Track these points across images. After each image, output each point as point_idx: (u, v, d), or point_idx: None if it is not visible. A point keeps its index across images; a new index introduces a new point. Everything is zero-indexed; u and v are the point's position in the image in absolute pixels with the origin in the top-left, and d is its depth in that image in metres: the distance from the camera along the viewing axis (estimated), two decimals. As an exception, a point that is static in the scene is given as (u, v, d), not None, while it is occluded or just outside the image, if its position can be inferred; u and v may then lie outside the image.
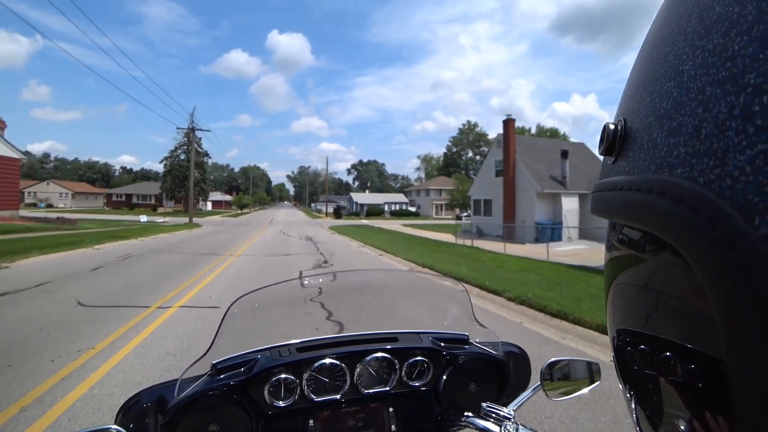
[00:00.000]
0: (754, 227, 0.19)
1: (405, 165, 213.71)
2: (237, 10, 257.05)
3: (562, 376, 0.87)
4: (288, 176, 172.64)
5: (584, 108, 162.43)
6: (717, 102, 0.22)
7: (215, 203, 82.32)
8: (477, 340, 1.02)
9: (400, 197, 70.88)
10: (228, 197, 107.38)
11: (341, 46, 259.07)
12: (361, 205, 63.52)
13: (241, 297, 0.92)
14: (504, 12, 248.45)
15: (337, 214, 50.79)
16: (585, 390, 0.88)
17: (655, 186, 0.25)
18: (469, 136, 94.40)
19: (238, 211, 62.29)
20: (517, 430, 0.73)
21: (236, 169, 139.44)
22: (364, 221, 44.55)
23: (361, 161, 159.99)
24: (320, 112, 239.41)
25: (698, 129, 0.23)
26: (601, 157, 0.35)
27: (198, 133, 51.65)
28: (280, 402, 0.83)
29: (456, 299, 1.14)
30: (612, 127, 0.32)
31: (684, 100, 0.24)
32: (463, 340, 1.00)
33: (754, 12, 0.20)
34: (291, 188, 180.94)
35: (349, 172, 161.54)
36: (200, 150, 53.86)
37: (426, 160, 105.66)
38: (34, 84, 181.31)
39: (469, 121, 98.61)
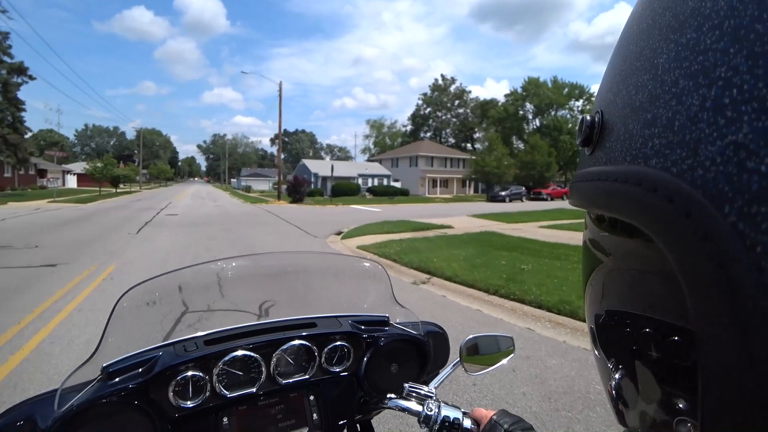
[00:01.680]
0: (724, 215, 0.19)
1: (324, 141, 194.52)
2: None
3: (479, 351, 0.89)
4: (199, 146, 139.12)
5: (498, 93, 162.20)
6: (690, 94, 0.22)
7: (84, 177, 53.32)
8: (397, 321, 1.00)
9: (378, 168, 48.27)
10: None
11: (259, 12, 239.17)
12: (323, 179, 40.18)
13: (132, 288, 0.82)
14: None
15: (295, 193, 27.35)
16: (501, 363, 0.90)
17: (631, 176, 0.25)
18: (444, 94, 73.57)
19: (103, 191, 35.51)
20: (438, 407, 0.74)
21: (131, 135, 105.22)
22: (370, 208, 21.69)
23: (286, 130, 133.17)
24: (235, 83, 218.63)
25: (672, 121, 0.23)
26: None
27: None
28: (188, 402, 0.75)
29: (375, 279, 1.09)
30: (589, 118, 0.32)
31: (659, 92, 0.25)
32: (384, 322, 0.98)
33: (726, 8, 0.21)
34: (203, 162, 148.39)
35: (273, 142, 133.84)
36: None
37: (376, 126, 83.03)
38: None
39: (443, 75, 77.54)
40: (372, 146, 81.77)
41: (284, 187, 28.84)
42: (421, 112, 74.99)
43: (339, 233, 11.54)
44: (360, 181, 42.52)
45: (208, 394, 0.77)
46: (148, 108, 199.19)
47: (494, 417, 0.67)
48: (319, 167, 43.51)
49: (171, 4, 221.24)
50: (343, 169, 42.52)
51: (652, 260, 0.25)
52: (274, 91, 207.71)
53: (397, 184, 43.60)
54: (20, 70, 27.62)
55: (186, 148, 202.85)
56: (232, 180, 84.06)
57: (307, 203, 27.02)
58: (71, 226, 11.78)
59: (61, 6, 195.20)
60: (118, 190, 38.95)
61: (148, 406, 0.72)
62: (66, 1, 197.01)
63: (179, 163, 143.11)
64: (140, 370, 0.74)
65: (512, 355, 0.92)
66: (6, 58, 26.84)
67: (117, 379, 0.72)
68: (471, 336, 0.89)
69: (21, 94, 27.09)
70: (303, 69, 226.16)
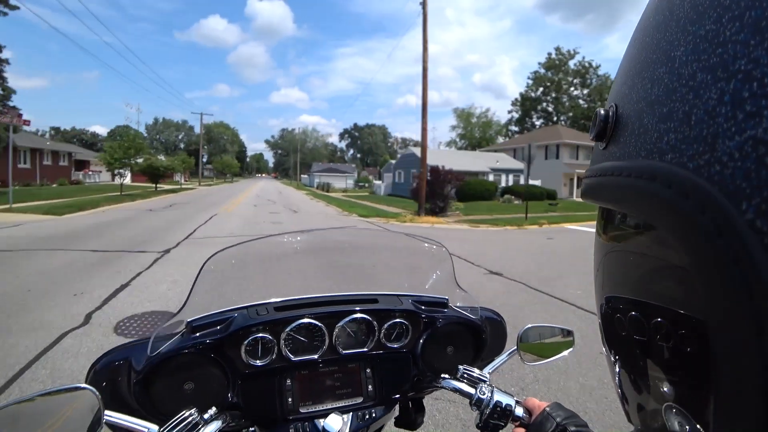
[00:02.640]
0: (741, 212, 0.19)
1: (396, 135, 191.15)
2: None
3: (537, 341, 0.90)
4: (267, 142, 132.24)
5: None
6: (707, 88, 0.21)
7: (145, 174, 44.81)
8: (457, 304, 1.02)
9: (509, 161, 34.60)
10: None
11: (323, 14, 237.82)
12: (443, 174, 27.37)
13: (216, 253, 0.90)
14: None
15: (435, 199, 14.88)
16: (558, 356, 0.91)
17: (646, 172, 0.25)
18: (561, 71, 58.33)
19: (141, 188, 25.14)
20: (491, 392, 0.76)
21: (199, 130, 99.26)
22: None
23: (356, 125, 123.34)
24: (301, 83, 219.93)
25: (688, 115, 0.22)
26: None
27: None
28: (257, 361, 0.81)
29: (438, 261, 1.12)
30: (603, 112, 0.31)
31: (675, 86, 0.24)
32: (443, 304, 0.99)
33: None
34: (270, 159, 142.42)
35: (341, 137, 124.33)
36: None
37: (464, 115, 69.08)
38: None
39: (559, 48, 62.16)
40: (458, 139, 68.32)
41: (377, 184, 16.33)
42: (532, 95, 60.37)
43: None
44: (491, 177, 29.41)
45: (274, 356, 0.82)
46: (222, 109, 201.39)
47: (547, 409, 0.66)
48: (437, 158, 30.58)
49: (242, 11, 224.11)
50: (466, 161, 29.62)
51: (665, 255, 0.25)
52: (339, 90, 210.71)
53: (536, 182, 29.99)
54: None
55: (255, 146, 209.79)
56: (302, 176, 74.16)
57: (452, 216, 14.49)
58: None
59: (149, 20, 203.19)
60: (165, 187, 28.80)
61: (223, 360, 0.79)
62: (152, 15, 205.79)
63: (247, 159, 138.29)
64: (218, 327, 0.81)
65: (572, 348, 0.92)
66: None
67: (198, 334, 0.79)
68: (530, 325, 0.89)
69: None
70: (366, 68, 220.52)
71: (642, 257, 0.29)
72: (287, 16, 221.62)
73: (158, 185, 27.74)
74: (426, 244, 1.17)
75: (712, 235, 0.20)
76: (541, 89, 59.49)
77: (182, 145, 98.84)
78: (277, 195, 28.04)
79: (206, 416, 0.72)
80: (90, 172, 34.82)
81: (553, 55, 59.04)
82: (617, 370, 0.33)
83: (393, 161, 37.02)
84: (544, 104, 59.77)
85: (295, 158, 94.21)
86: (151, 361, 0.73)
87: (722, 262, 0.19)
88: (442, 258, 1.10)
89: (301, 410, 0.82)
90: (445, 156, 30.15)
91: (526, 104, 60.56)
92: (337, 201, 22.83)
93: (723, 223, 0.19)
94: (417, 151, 31.64)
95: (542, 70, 59.47)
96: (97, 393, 0.60)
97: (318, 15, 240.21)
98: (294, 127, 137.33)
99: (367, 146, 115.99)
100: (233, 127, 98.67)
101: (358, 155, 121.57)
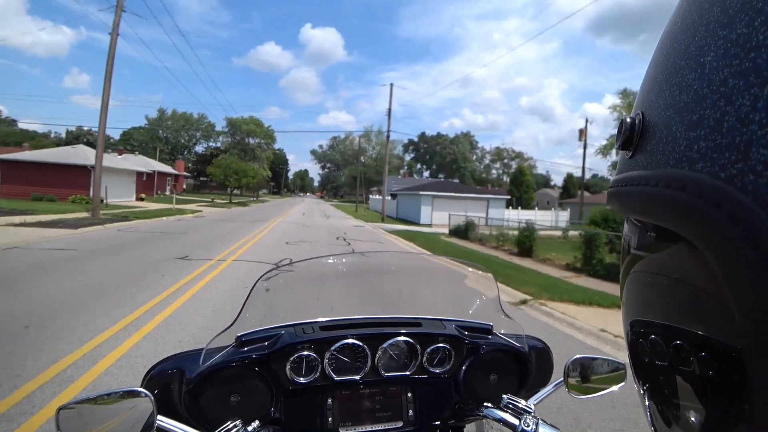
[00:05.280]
0: None
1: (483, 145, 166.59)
2: (268, 3, 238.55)
3: (586, 374, 0.87)
4: (313, 152, 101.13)
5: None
6: (740, 94, 0.21)
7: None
8: (501, 332, 1.00)
9: None
10: (173, 170, 41.58)
11: (372, 39, 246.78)
12: None
13: (268, 272, 0.94)
14: (537, 8, 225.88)
15: None
16: (608, 390, 0.87)
17: (675, 181, 0.24)
18: None
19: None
20: (536, 424, 0.73)
21: (220, 127, 69.08)
22: None
23: (424, 134, 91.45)
24: (348, 106, 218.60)
25: (720, 122, 0.22)
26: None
27: None
28: (301, 378, 0.83)
29: (483, 288, 1.11)
30: (629, 120, 0.31)
31: (705, 92, 0.23)
32: (487, 330, 0.98)
33: None
34: (316, 175, 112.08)
35: (406, 148, 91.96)
36: None
37: (622, 105, 33.75)
38: (76, 72, 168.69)
39: None
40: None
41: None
42: None
43: None
44: None
45: (318, 374, 0.83)
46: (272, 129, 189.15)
47: None
48: None
49: (296, 38, 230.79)
50: None
51: (695, 270, 0.24)
52: (384, 112, 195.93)
53: None
54: None
55: (302, 166, 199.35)
56: (371, 197, 41.25)
57: None
58: None
59: (209, 46, 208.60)
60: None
61: (268, 375, 0.81)
62: (212, 42, 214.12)
63: (288, 174, 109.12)
64: (266, 343, 0.83)
65: (623, 383, 0.86)
66: None
67: (246, 348, 0.82)
68: (578, 356, 0.86)
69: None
70: (412, 91, 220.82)
71: (668, 274, 0.27)
72: (338, 43, 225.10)
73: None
74: (471, 269, 1.12)
75: (747, 247, 0.19)
76: None
77: (200, 148, 70.42)
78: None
79: (249, 429, 0.74)
80: None
81: None
82: (647, 403, 0.31)
83: None
84: None
85: (353, 171, 62.03)
86: (201, 372, 0.76)
87: (758, 275, 0.18)
88: (488, 284, 1.05)
89: (341, 431, 0.81)
90: None
91: None
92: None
93: (758, 234, 0.18)
94: None
95: None
96: (152, 398, 0.63)
97: (367, 40, 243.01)
98: (351, 130, 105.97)
99: (450, 158, 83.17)
100: (268, 126, 67.33)
101: (426, 171, 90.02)
